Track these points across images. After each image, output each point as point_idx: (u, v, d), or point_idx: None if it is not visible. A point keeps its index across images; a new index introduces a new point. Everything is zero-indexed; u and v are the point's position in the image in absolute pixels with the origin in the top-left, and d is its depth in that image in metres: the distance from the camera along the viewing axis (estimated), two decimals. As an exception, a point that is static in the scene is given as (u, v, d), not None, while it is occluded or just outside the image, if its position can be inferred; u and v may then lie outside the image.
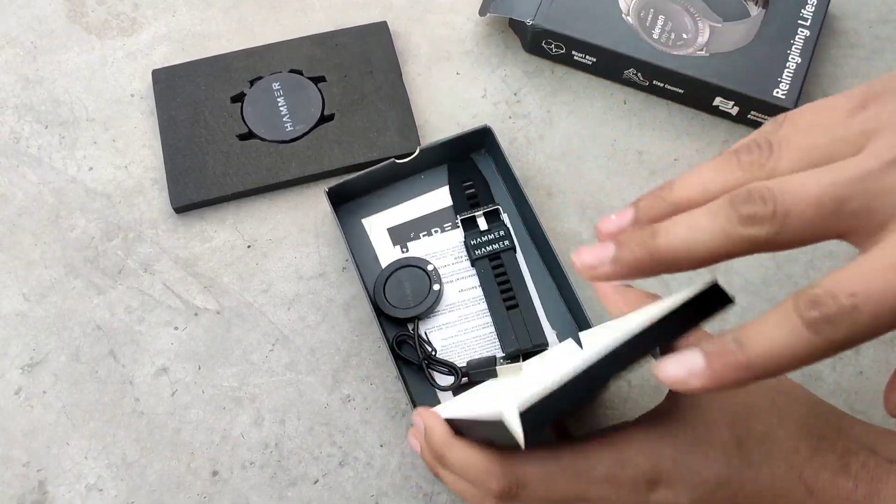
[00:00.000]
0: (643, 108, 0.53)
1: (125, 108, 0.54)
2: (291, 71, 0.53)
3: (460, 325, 0.47)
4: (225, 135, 0.52)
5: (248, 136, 0.52)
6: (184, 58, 0.55)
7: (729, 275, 0.49)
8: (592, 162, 0.52)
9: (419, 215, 0.50)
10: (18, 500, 0.44)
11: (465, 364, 0.45)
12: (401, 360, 0.45)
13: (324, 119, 0.52)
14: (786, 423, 0.33)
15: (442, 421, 0.36)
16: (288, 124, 0.52)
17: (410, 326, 0.47)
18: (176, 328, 0.48)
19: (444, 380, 0.45)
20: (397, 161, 0.49)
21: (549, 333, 0.47)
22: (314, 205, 0.51)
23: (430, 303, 0.47)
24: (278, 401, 0.46)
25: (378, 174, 0.49)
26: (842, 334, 0.24)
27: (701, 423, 0.33)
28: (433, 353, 0.46)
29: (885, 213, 0.25)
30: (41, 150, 0.53)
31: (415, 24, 0.56)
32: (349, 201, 0.50)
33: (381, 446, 0.45)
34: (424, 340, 0.46)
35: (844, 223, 0.25)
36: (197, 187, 0.50)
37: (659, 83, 0.52)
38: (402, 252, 0.49)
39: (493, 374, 0.43)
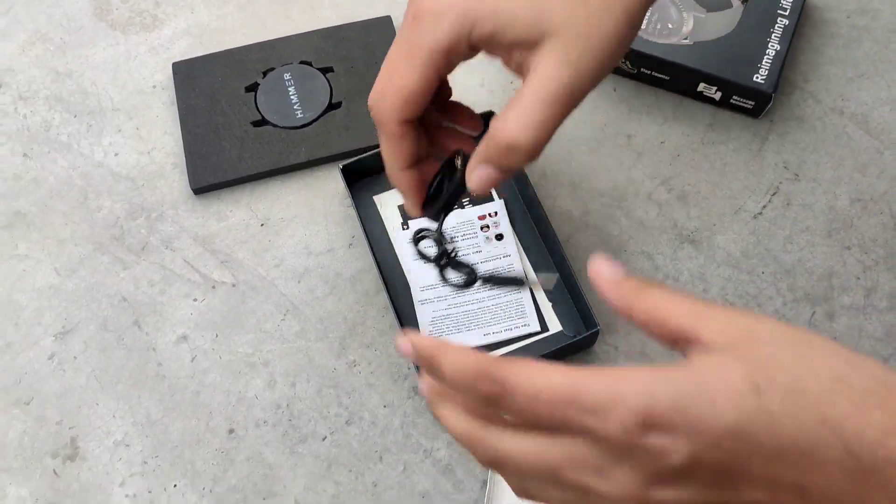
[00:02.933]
0: (632, 95, 0.57)
1: (148, 98, 0.58)
2: (301, 62, 0.57)
3: (451, 299, 0.50)
4: (240, 121, 0.56)
5: (262, 122, 0.56)
6: (202, 51, 0.59)
7: (711, 248, 0.52)
8: (584, 145, 0.56)
9: (427, 194, 0.53)
10: (52, 455, 0.48)
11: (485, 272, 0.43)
12: (419, 255, 0.43)
13: (331, 106, 0.56)
14: (818, 375, 0.27)
15: (428, 337, 0.32)
16: (298, 111, 0.56)
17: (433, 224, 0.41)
18: (195, 300, 0.52)
19: (457, 278, 0.42)
20: None
21: (547, 311, 0.50)
22: (323, 186, 0.55)
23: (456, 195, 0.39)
24: (289, 365, 0.50)
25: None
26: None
27: (710, 371, 0.28)
28: (454, 254, 0.42)
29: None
30: (70, 138, 0.57)
31: (417, 18, 0.60)
32: (361, 179, 0.54)
33: (385, 407, 0.49)
34: (446, 239, 0.43)
35: None
36: (214, 170, 0.54)
37: (646, 70, 0.55)
38: (404, 228, 0.52)
39: (522, 283, 0.41)
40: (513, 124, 0.34)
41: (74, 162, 0.56)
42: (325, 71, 0.57)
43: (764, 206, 0.53)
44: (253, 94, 0.56)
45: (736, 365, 0.27)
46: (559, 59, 0.33)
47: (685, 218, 0.53)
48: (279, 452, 0.48)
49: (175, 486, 0.47)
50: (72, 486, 0.47)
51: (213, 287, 0.52)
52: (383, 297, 0.51)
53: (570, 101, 0.34)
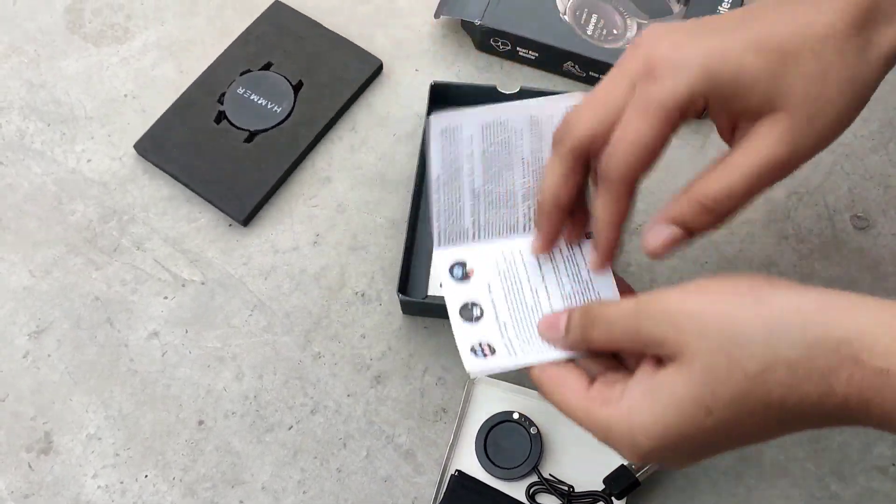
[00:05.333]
0: (581, 97, 0.60)
1: (119, 106, 0.60)
2: (242, 73, 0.59)
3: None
4: (233, 146, 0.57)
5: (251, 136, 0.57)
6: (171, 62, 0.61)
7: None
8: (537, 145, 0.58)
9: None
10: (27, 448, 0.50)
11: (603, 485, 0.46)
12: None
13: (297, 88, 0.59)
14: (748, 373, 0.30)
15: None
16: (274, 108, 0.58)
17: (531, 479, 0.47)
18: (165, 297, 0.54)
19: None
20: (500, 90, 0.55)
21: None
22: (287, 187, 0.57)
23: (534, 458, 0.47)
24: (256, 358, 0.52)
25: (477, 92, 0.55)
26: None
27: (670, 400, 0.31)
28: (571, 489, 0.47)
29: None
30: (44, 145, 0.59)
31: (378, 29, 0.63)
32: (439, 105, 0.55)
33: (348, 396, 0.51)
34: (555, 481, 0.47)
35: None
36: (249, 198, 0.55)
37: (594, 74, 0.58)
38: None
39: (636, 483, 0.45)
40: (716, 186, 0.33)
41: (48, 168, 0.58)
42: (266, 67, 0.59)
43: (707, 200, 0.56)
44: (225, 120, 0.58)
45: (688, 391, 0.31)
46: (781, 137, 0.32)
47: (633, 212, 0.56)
48: (247, 442, 0.50)
49: (146, 476, 0.49)
50: (46, 479, 0.49)
51: (183, 285, 0.54)
52: (346, 292, 0.53)
53: (778, 177, 0.33)
